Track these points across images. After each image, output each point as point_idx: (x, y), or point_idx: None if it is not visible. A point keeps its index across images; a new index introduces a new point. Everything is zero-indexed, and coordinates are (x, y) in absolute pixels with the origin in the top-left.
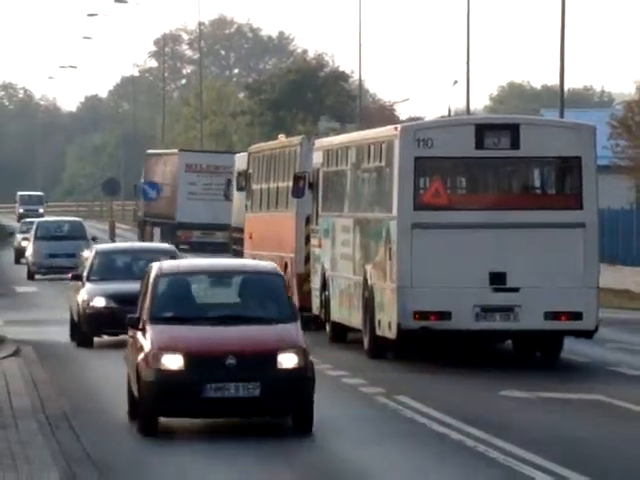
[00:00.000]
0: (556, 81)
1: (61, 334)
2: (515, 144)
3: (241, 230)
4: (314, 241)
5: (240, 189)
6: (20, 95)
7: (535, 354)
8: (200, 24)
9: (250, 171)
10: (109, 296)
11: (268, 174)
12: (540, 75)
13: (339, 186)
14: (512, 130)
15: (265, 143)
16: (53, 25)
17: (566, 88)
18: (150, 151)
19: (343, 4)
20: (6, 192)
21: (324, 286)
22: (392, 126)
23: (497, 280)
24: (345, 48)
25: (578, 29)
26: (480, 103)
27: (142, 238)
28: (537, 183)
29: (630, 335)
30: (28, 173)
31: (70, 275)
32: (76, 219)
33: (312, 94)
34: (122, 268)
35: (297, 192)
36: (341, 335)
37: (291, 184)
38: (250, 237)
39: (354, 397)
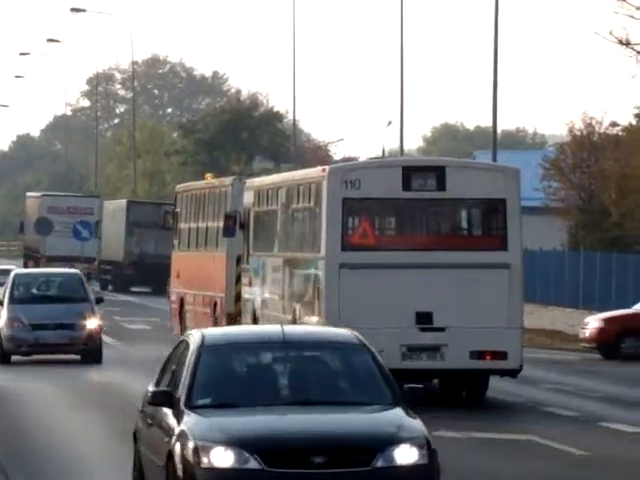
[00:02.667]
0: (489, 122)
1: None
2: (441, 186)
3: (110, 262)
4: (245, 280)
5: (167, 228)
6: None
7: (461, 393)
8: (133, 63)
9: (177, 210)
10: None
11: (197, 213)
12: (473, 116)
13: (269, 226)
14: (438, 172)
15: (194, 182)
16: None
17: (499, 130)
18: (28, 193)
19: (277, 44)
20: None
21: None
22: (320, 167)
23: (423, 319)
24: (279, 88)
25: (511, 71)
26: (414, 144)
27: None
28: (463, 224)
29: (563, 376)
30: None
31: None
32: (73, 271)
33: (246, 134)
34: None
35: (228, 231)
36: None
37: (222, 224)
38: (177, 276)
39: None
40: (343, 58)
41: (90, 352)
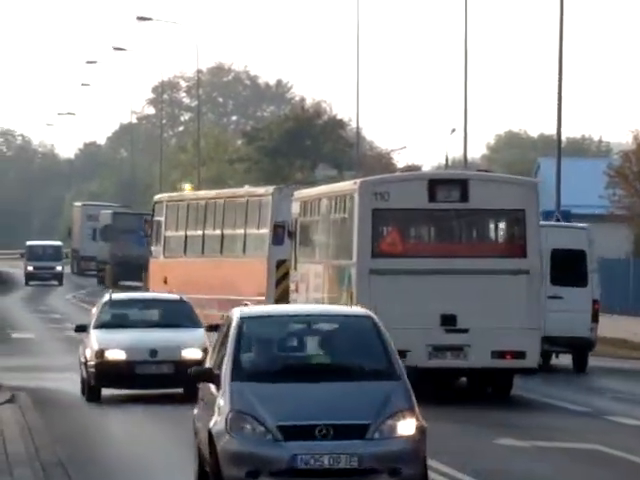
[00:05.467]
0: (553, 130)
1: (60, 382)
2: (464, 197)
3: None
4: (292, 286)
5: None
6: (18, 142)
7: (487, 390)
8: (198, 71)
9: (159, 218)
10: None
11: (209, 221)
12: (537, 124)
13: (312, 235)
14: (462, 184)
15: (178, 193)
16: (52, 72)
17: (564, 137)
18: (75, 204)
19: (341, 52)
20: (2, 238)
21: None
22: (352, 181)
23: (448, 322)
24: (343, 96)
25: (576, 78)
26: (478, 152)
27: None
28: (485, 233)
29: (628, 384)
30: (25, 219)
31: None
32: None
33: (309, 141)
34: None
35: (277, 240)
36: None
37: (259, 231)
38: (165, 281)
39: None
40: (407, 66)
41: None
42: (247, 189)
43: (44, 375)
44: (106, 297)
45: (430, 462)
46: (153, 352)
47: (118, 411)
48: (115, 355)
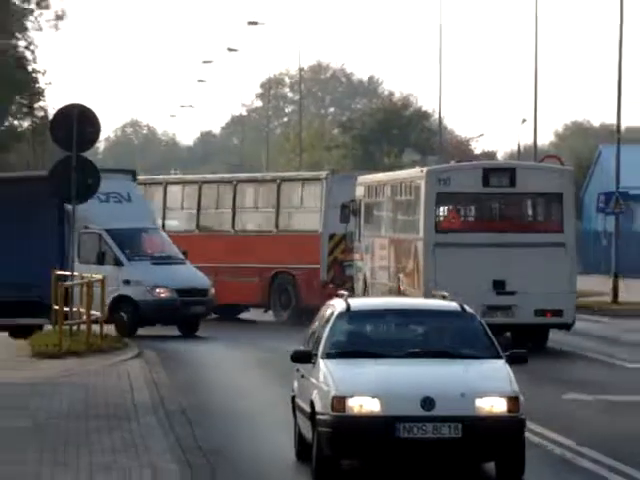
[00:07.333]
0: (614, 120)
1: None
2: (512, 183)
3: None
4: (357, 256)
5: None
6: (144, 131)
7: (528, 344)
8: (300, 69)
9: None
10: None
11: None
12: (600, 114)
13: (377, 213)
14: (510, 172)
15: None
16: (174, 70)
17: (623, 126)
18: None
19: (426, 50)
20: None
21: (365, 289)
22: (419, 168)
23: (498, 286)
24: (427, 89)
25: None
26: (546, 139)
27: None
28: (529, 212)
29: None
30: None
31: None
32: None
33: (397, 130)
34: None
35: (344, 218)
36: None
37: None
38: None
39: None
40: (484, 60)
41: None
42: (303, 172)
43: (167, 338)
44: (341, 305)
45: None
46: (428, 402)
47: (243, 370)
48: (365, 406)
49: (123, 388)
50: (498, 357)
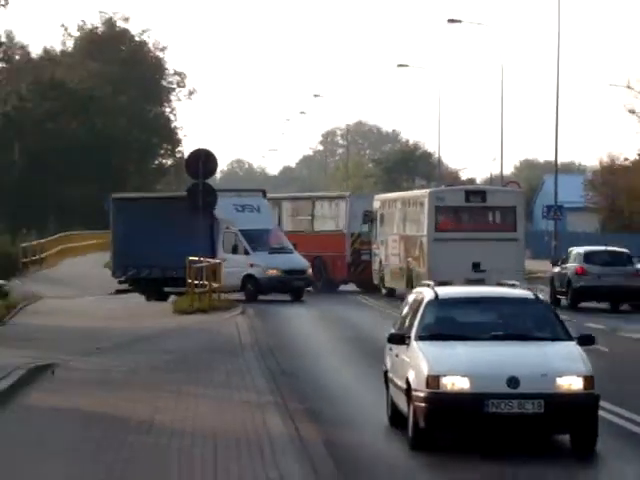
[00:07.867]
0: (553, 157)
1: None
2: (484, 199)
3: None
4: (374, 247)
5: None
6: (246, 166)
7: None
8: (347, 126)
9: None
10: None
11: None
12: (545, 151)
13: (390, 219)
14: (483, 193)
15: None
16: (265, 124)
17: (559, 161)
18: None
19: (430, 114)
20: None
21: (380, 269)
22: (425, 190)
23: (475, 267)
24: (430, 138)
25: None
26: (509, 170)
27: None
28: (495, 219)
29: None
30: None
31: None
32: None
33: (411, 164)
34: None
35: (365, 220)
36: (391, 293)
37: (341, 217)
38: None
39: None
40: (470, 116)
41: None
42: (333, 192)
43: (274, 302)
44: (430, 293)
45: None
46: (513, 381)
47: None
48: (456, 384)
49: (232, 333)
50: (570, 339)
